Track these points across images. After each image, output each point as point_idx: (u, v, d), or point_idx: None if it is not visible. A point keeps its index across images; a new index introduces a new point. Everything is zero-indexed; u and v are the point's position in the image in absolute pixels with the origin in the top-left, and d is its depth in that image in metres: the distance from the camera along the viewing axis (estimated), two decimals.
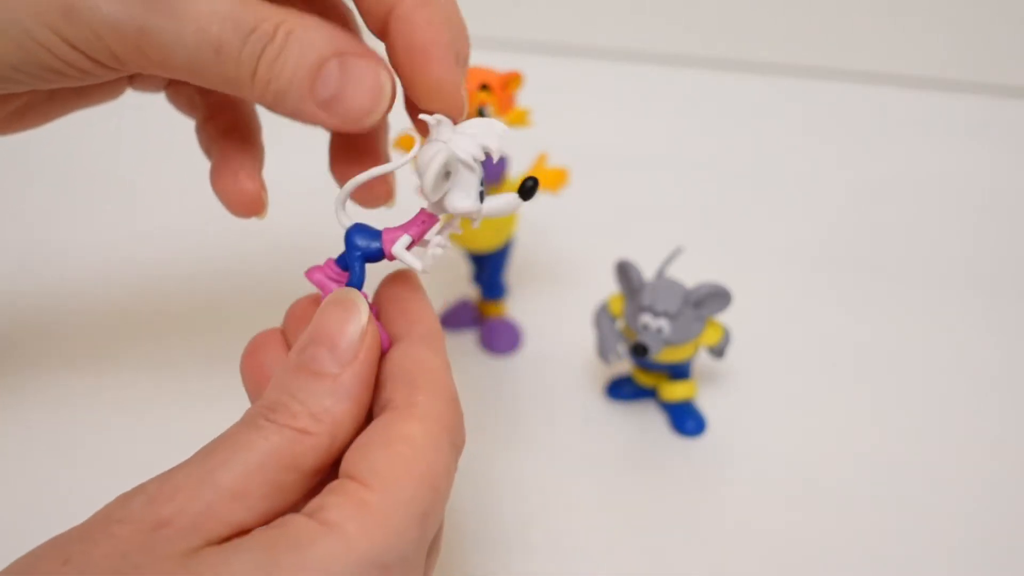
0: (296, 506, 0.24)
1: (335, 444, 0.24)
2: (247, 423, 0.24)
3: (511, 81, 0.40)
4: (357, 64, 0.26)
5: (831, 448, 0.40)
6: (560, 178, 0.42)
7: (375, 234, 0.27)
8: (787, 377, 0.43)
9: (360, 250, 0.27)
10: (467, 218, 0.27)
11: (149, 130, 0.61)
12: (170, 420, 0.40)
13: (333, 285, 0.27)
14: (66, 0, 0.25)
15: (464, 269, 0.47)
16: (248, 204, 0.33)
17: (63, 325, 0.45)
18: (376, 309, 0.28)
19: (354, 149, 0.33)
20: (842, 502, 0.38)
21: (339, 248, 0.28)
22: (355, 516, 0.22)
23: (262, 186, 0.33)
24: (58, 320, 0.45)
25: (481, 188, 0.27)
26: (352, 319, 0.25)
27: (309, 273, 0.28)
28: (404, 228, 0.27)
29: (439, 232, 0.27)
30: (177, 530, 0.22)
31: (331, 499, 0.22)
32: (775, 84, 0.68)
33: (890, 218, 0.55)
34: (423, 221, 0.27)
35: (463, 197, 0.26)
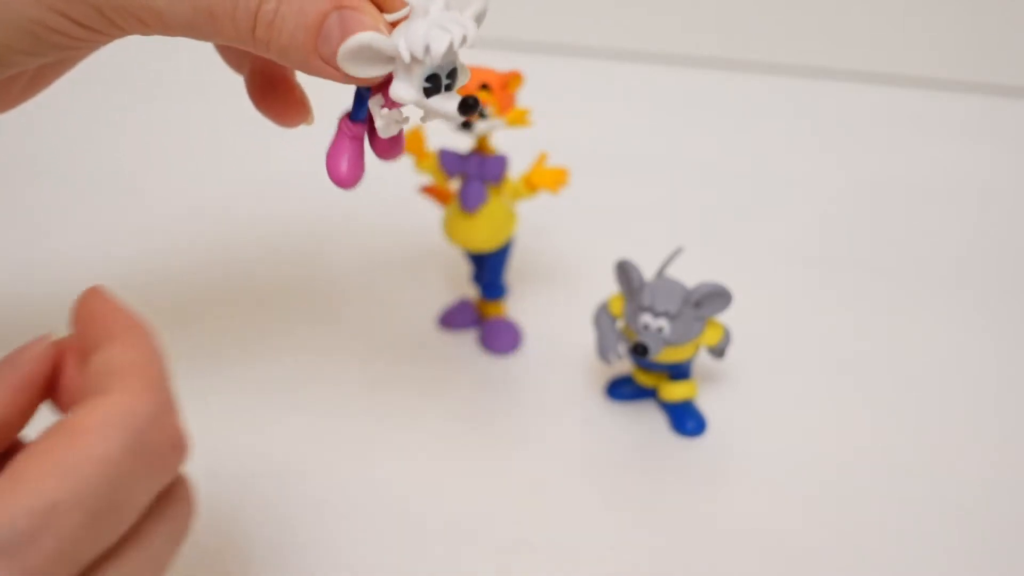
0: None
1: None
2: None
3: (511, 81, 0.40)
4: (354, 17, 0.26)
5: (831, 448, 0.40)
6: (560, 178, 0.42)
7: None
8: (787, 377, 0.44)
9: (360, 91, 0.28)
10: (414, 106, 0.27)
11: (150, 125, 0.62)
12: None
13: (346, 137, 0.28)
14: None
15: (464, 269, 0.47)
16: (292, 112, 0.33)
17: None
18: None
19: (270, 82, 0.33)
20: (842, 501, 0.38)
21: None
22: None
23: (302, 91, 0.33)
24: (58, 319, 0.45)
25: (430, 84, 0.26)
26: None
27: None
28: (381, 87, 0.27)
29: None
30: None
31: None
32: (775, 84, 0.68)
33: (890, 218, 0.55)
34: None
35: (404, 87, 0.26)
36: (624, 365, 0.42)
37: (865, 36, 0.69)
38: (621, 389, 0.42)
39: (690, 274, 0.39)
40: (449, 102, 0.26)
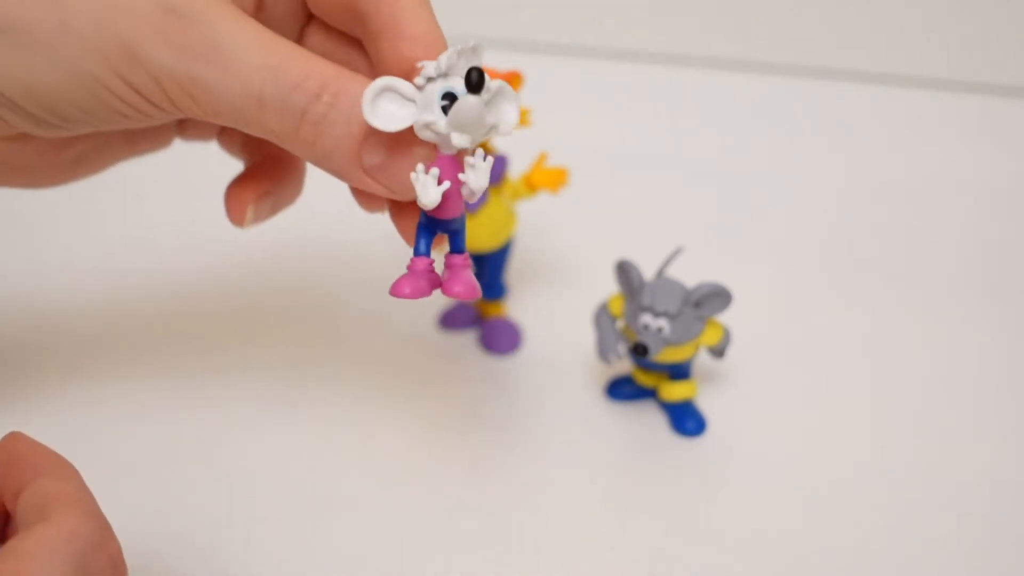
0: None
1: None
2: None
3: (511, 81, 0.40)
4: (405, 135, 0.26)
5: (831, 448, 0.40)
6: (560, 178, 0.42)
7: None
8: (787, 377, 0.43)
9: (420, 221, 0.28)
10: (442, 132, 0.26)
11: None
12: (169, 427, 0.40)
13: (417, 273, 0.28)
14: (129, 47, 0.26)
15: None
16: (233, 210, 0.34)
17: (63, 334, 0.45)
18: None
19: (256, 176, 0.34)
20: (842, 502, 0.38)
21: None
22: None
23: (254, 200, 0.34)
24: (58, 329, 0.45)
25: (447, 102, 0.26)
26: None
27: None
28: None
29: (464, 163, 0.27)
30: None
31: None
32: (775, 84, 0.68)
33: (890, 218, 0.55)
34: (440, 158, 0.27)
35: (428, 113, 0.26)
36: (624, 365, 0.42)
37: (865, 36, 0.69)
38: (621, 389, 0.42)
39: (690, 274, 0.39)
40: (462, 100, 0.26)
